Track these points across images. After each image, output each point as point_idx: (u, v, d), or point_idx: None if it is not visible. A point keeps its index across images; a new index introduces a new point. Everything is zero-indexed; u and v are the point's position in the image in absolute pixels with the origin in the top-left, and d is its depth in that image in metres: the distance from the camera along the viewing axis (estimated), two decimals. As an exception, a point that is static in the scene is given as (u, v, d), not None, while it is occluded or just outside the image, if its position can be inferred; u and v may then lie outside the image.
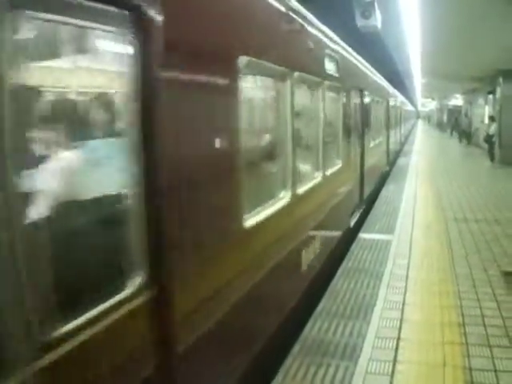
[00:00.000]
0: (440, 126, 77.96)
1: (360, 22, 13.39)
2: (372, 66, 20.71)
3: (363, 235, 12.45)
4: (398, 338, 6.88)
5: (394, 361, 6.28)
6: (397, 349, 6.59)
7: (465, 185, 20.54)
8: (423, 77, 36.85)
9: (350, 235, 12.69)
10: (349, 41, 13.63)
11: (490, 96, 32.99)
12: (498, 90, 29.25)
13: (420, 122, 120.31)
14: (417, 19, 16.05)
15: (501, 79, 28.42)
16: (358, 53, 15.85)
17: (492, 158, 28.37)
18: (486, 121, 32.79)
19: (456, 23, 16.17)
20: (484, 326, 7.29)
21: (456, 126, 56.41)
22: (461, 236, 12.29)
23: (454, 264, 10.09)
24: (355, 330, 7.19)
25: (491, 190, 19.19)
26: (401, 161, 31.83)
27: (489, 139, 29.45)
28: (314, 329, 7.25)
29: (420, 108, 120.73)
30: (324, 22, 10.10)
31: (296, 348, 6.70)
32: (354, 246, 11.54)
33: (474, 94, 43.30)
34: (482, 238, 12.02)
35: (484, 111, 36.18)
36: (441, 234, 12.54)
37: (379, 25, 13.63)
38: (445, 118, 72.96)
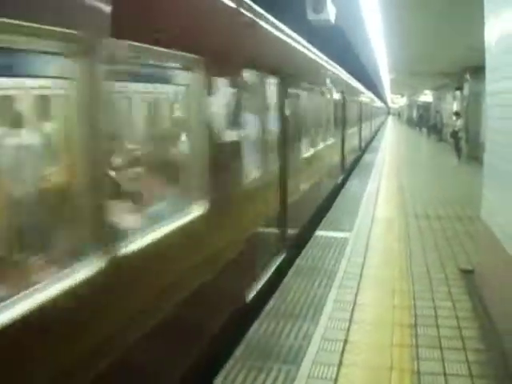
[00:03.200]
0: (410, 122, 78.29)
1: (311, 16, 13.08)
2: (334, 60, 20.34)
3: (320, 233, 12.16)
4: (346, 340, 6.59)
5: (339, 364, 5.99)
6: (343, 351, 6.30)
7: (429, 181, 20.47)
8: (390, 73, 36.73)
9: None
10: (310, 37, 13.40)
11: (458, 92, 33.00)
12: (466, 87, 29.28)
13: (390, 118, 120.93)
14: (378, 16, 15.81)
15: (468, 76, 28.43)
16: (318, 47, 15.57)
17: (458, 154, 28.29)
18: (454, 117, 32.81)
19: (418, 22, 16.04)
20: (437, 326, 7.02)
21: (420, 121, 57.29)
22: (421, 233, 12.08)
23: (411, 262, 9.85)
24: (302, 331, 6.89)
25: (455, 186, 19.06)
26: (367, 157, 31.66)
27: (455, 135, 29.39)
28: (259, 330, 6.94)
29: (390, 104, 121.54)
30: (282, 18, 9.93)
31: (239, 350, 6.39)
32: (309, 244, 11.23)
33: (442, 90, 43.41)
34: (443, 236, 11.82)
35: (452, 107, 36.19)
36: (400, 231, 12.32)
37: (332, 19, 13.33)
38: (414, 114, 73.28)
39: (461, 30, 16.74)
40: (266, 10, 9.02)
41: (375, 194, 17.56)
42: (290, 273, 9.30)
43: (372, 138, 50.17)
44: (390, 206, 15.58)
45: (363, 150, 35.95)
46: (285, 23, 10.61)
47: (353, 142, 27.69)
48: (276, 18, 9.84)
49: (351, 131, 26.48)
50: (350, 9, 16.63)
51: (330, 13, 13.12)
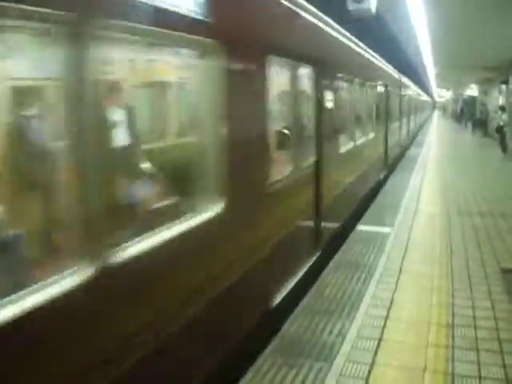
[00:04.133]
0: (455, 116, 77.17)
1: (352, 5, 12.88)
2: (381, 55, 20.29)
3: (361, 227, 12.06)
4: (380, 339, 6.50)
5: (372, 363, 5.90)
6: (377, 350, 6.21)
7: (473, 177, 20.12)
8: (435, 66, 36.24)
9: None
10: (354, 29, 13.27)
11: (504, 86, 32.43)
12: (511, 80, 28.70)
13: (436, 113, 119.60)
14: (423, 7, 15.52)
15: (514, 69, 27.92)
16: (366, 43, 15.44)
17: (504, 149, 27.76)
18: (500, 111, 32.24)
19: (463, 14, 15.74)
20: (474, 327, 6.87)
21: (461, 116, 56.90)
22: (462, 230, 11.88)
23: (451, 259, 9.69)
24: (336, 328, 6.82)
25: (500, 183, 18.70)
26: (411, 152, 31.32)
27: (500, 130, 28.87)
28: (292, 326, 6.89)
29: (437, 99, 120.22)
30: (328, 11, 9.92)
31: (271, 347, 6.34)
32: (349, 238, 11.13)
33: (488, 83, 42.72)
34: (485, 233, 11.61)
35: (498, 101, 35.59)
36: (442, 227, 12.14)
37: (373, 9, 13.11)
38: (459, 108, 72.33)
39: (507, 22, 16.42)
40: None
41: (418, 189, 17.34)
42: (328, 268, 9.21)
43: (416, 133, 49.15)
44: (433, 201, 15.39)
45: (407, 145, 34.87)
46: (325, 13, 10.49)
47: (396, 136, 27.15)
48: (318, 8, 9.75)
49: (395, 125, 26.24)
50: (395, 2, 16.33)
51: (372, 2, 12.91)
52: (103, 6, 3.87)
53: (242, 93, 6.17)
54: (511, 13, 14.84)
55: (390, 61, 25.05)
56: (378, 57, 20.52)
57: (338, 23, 11.91)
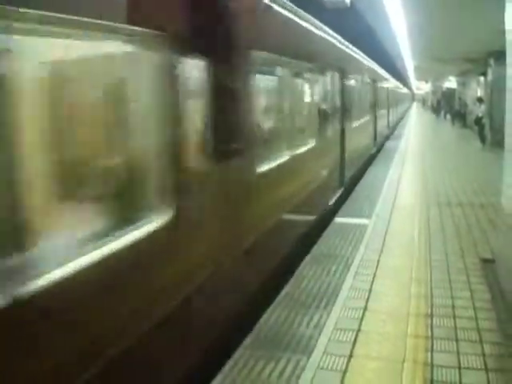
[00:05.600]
0: (434, 108, 77.54)
1: None
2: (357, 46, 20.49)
3: (338, 219, 11.99)
4: (358, 330, 6.41)
5: (350, 355, 5.81)
6: (355, 342, 6.12)
7: (452, 168, 20.14)
8: (414, 58, 36.30)
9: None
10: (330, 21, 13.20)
11: (482, 78, 32.55)
12: (489, 72, 28.80)
13: (415, 105, 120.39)
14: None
15: (492, 61, 27.95)
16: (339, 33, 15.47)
17: (482, 141, 27.89)
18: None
19: (439, 5, 15.68)
20: (454, 317, 6.81)
21: (439, 108, 57.87)
22: (442, 221, 11.84)
23: (430, 250, 9.65)
24: (314, 320, 6.72)
25: (479, 174, 18.69)
26: (389, 144, 31.39)
27: (478, 121, 28.99)
28: (270, 319, 6.79)
29: (415, 91, 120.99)
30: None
31: (249, 339, 6.24)
32: (327, 230, 11.05)
33: (466, 76, 42.90)
34: (464, 223, 11.59)
35: (476, 93, 35.73)
36: (421, 218, 12.10)
37: (347, 0, 13.01)
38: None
39: (483, 13, 16.40)
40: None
41: (397, 180, 17.34)
42: (305, 260, 9.13)
43: (398, 121, 55.40)
44: (412, 192, 15.37)
45: (391, 129, 41.90)
46: (300, 6, 10.37)
47: (382, 121, 33.05)
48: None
49: (381, 113, 32.00)
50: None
51: None
52: None
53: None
54: (488, 4, 14.79)
55: (370, 54, 25.37)
56: (368, 58, 25.20)
57: (312, 14, 11.78)
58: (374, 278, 8.19)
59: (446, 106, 58.64)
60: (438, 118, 61.21)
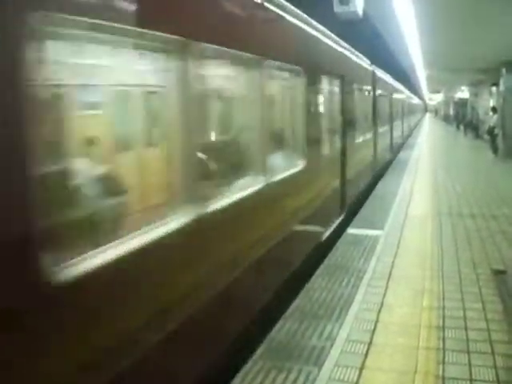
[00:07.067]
0: (446, 119, 77.32)
1: (338, 8, 12.75)
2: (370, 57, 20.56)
3: (351, 230, 11.99)
4: (370, 342, 6.42)
5: (362, 367, 5.82)
6: (367, 354, 6.13)
7: (464, 178, 20.10)
8: (426, 69, 36.28)
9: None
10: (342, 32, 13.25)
11: (494, 88, 32.49)
12: (501, 82, 28.76)
13: (428, 115, 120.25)
14: (411, 9, 15.40)
15: (504, 71, 27.93)
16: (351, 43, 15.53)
17: (494, 151, 27.81)
18: (491, 113, 32.30)
19: (452, 15, 15.69)
20: (465, 329, 6.80)
21: (457, 119, 57.16)
22: (454, 232, 11.82)
23: (442, 261, 9.63)
24: (326, 332, 6.73)
25: (491, 184, 18.66)
26: (402, 155, 31.38)
27: (491, 131, 28.92)
28: (282, 330, 6.80)
29: (428, 101, 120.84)
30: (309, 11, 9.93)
31: (260, 350, 6.26)
32: (339, 241, 11.06)
33: (479, 86, 42.81)
34: (476, 235, 11.54)
35: (489, 103, 35.68)
36: (433, 229, 12.08)
37: (360, 11, 12.99)
38: (451, 111, 72.44)
39: (497, 23, 16.40)
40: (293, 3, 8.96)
41: (409, 191, 17.31)
42: (317, 272, 9.14)
43: (411, 131, 56.56)
44: (424, 203, 15.33)
45: (406, 138, 44.64)
46: (311, 16, 10.42)
47: (397, 132, 34.94)
48: (303, 11, 9.72)
49: (396, 123, 33.74)
50: (380, 2, 16.22)
51: (358, 5, 12.80)
52: None
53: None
54: (501, 16, 14.81)
55: (383, 66, 25.59)
56: (382, 70, 25.91)
57: (325, 25, 11.84)
58: (386, 290, 8.19)
59: (460, 116, 58.23)
60: (452, 127, 60.75)
